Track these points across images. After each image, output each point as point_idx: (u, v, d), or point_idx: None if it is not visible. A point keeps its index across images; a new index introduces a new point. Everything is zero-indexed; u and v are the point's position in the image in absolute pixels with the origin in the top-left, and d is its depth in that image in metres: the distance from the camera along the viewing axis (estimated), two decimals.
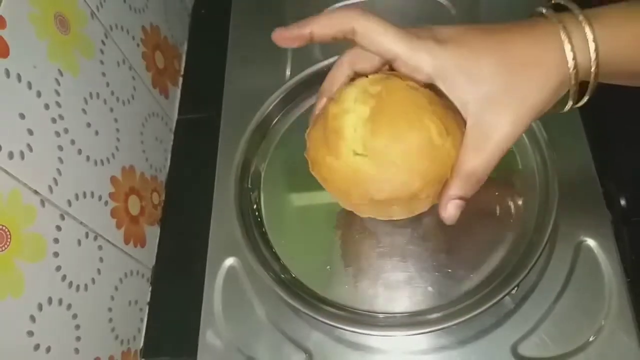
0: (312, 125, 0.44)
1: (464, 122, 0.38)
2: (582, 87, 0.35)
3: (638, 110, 0.56)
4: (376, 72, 0.38)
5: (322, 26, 0.38)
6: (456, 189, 0.37)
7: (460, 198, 0.37)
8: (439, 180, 0.38)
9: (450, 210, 0.38)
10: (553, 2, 0.36)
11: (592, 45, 0.33)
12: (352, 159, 0.38)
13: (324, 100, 0.41)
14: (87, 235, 0.48)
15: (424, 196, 0.39)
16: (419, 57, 0.35)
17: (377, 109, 0.37)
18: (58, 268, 0.44)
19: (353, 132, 0.38)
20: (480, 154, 0.35)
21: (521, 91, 0.33)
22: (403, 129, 0.37)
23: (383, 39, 0.35)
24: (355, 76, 0.39)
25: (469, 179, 0.36)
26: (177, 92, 0.73)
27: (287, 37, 0.40)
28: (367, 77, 0.40)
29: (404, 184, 0.38)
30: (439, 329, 0.47)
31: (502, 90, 0.33)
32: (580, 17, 0.33)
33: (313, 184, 0.58)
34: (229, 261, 0.56)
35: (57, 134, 0.45)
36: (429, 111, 0.37)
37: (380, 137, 0.37)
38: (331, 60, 0.61)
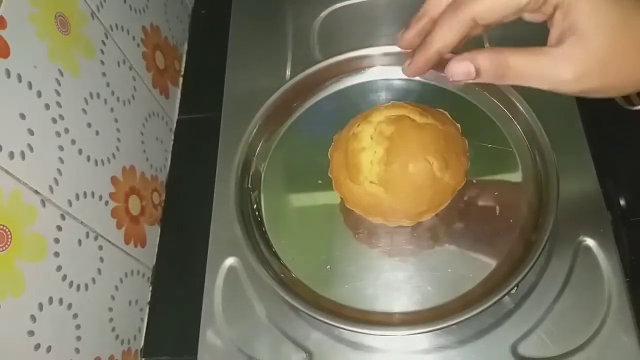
0: (334, 146, 0.54)
1: (464, 152, 0.48)
2: None
3: (638, 110, 0.56)
4: (501, 22, 0.35)
5: (443, 38, 0.35)
6: (482, 59, 0.34)
7: (476, 70, 0.34)
8: (440, 203, 0.49)
9: (460, 67, 0.34)
10: None
11: None
12: (368, 186, 0.48)
13: (429, 55, 0.36)
14: (87, 235, 0.48)
15: (428, 215, 0.50)
16: None
17: (390, 149, 0.47)
18: (59, 268, 0.44)
19: (369, 165, 0.48)
20: (532, 71, 0.33)
21: (615, 69, 0.31)
22: (410, 166, 0.47)
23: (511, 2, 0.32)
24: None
25: (501, 67, 0.33)
26: (178, 92, 0.73)
27: (417, 68, 0.37)
28: (381, 109, 0.50)
29: (412, 207, 0.49)
30: (438, 329, 0.47)
31: (602, 58, 0.31)
32: None
33: (313, 184, 0.59)
34: (229, 261, 0.56)
35: (58, 134, 0.45)
36: (432, 150, 0.47)
37: (392, 172, 0.47)
38: (331, 60, 0.61)
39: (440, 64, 0.36)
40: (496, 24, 0.34)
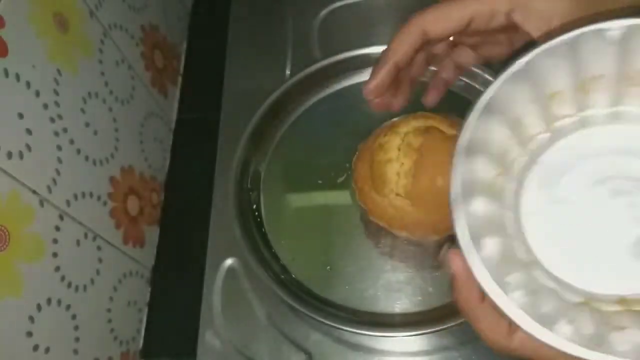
0: (358, 156, 0.52)
1: None
2: None
3: None
4: (450, 34, 0.36)
5: (396, 50, 0.36)
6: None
7: None
8: None
9: None
10: None
11: None
12: (394, 198, 0.48)
13: (387, 67, 0.37)
14: (86, 236, 0.48)
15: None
16: (492, 4, 0.34)
17: (418, 162, 0.46)
18: (57, 268, 0.44)
19: (396, 177, 0.47)
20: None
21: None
22: (438, 179, 0.45)
23: (454, 14, 0.35)
24: (424, 43, 0.36)
25: None
26: (177, 92, 0.73)
27: (377, 82, 0.38)
28: (409, 119, 0.48)
29: (440, 221, 0.47)
30: (439, 330, 0.47)
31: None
32: None
33: (313, 184, 0.58)
34: (229, 262, 0.56)
35: (56, 133, 0.45)
36: None
37: (420, 186, 0.46)
38: (331, 59, 0.61)
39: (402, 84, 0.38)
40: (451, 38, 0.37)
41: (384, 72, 0.37)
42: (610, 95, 0.30)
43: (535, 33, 0.34)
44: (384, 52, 0.37)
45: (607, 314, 0.28)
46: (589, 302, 0.28)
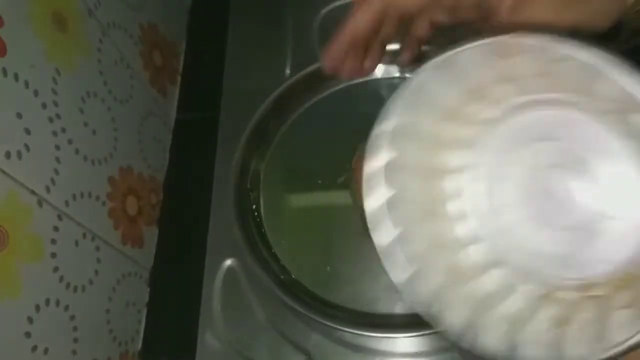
0: (358, 155, 0.50)
1: None
2: None
3: None
4: (419, 8, 0.36)
5: (355, 21, 0.35)
6: None
7: None
8: None
9: None
10: None
11: None
12: None
13: (343, 41, 0.36)
14: (84, 236, 0.48)
15: None
16: None
17: None
18: (55, 269, 0.43)
19: None
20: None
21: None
22: None
23: None
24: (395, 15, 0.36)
25: None
26: (176, 91, 0.72)
27: (333, 52, 0.37)
28: None
29: None
30: (439, 331, 0.46)
31: None
32: None
33: (313, 184, 0.58)
34: (228, 262, 0.55)
35: (55, 133, 0.45)
36: None
37: None
38: None
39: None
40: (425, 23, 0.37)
41: (339, 46, 0.36)
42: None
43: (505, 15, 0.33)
44: (347, 20, 0.35)
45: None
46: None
